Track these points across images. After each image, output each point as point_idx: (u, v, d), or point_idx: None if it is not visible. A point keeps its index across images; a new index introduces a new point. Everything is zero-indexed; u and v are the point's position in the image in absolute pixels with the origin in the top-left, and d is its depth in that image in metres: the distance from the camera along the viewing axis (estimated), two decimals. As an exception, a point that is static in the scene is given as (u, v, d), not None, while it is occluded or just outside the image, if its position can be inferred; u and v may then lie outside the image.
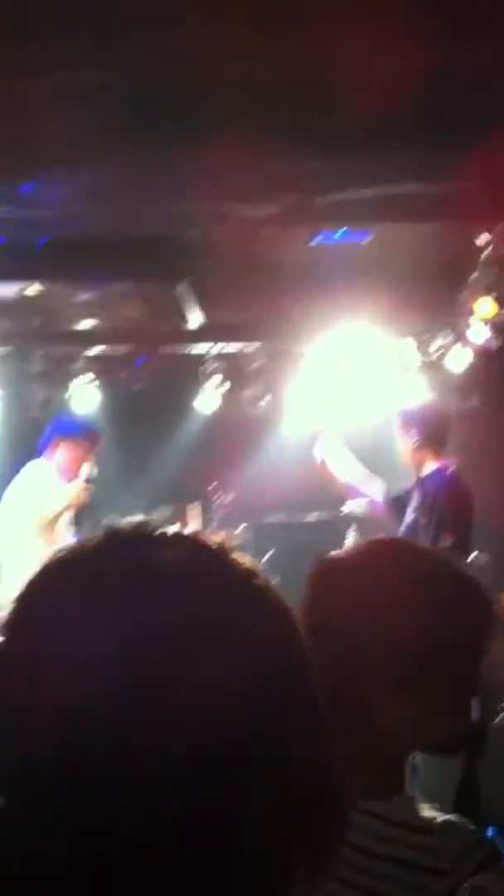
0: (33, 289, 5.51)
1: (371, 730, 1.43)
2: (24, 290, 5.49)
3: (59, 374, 6.88)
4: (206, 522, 6.96)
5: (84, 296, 5.68)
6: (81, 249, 5.07)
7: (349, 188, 3.98)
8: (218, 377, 6.95)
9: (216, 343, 6.80)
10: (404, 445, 5.41)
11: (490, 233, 5.22)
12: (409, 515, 5.32)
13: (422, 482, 5.37)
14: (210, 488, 7.09)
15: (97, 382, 6.86)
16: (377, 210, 4.18)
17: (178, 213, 4.32)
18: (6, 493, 5.52)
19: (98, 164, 3.74)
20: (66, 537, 5.40)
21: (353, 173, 3.89)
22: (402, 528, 5.39)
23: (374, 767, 1.42)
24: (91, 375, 6.82)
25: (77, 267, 5.24)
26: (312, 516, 7.20)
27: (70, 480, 5.48)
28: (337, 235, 4.87)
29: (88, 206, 4.07)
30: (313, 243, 4.99)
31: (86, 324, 6.31)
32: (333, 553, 1.63)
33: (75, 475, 5.49)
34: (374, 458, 6.19)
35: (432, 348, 6.79)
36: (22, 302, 5.69)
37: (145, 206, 4.21)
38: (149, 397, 7.07)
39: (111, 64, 3.39)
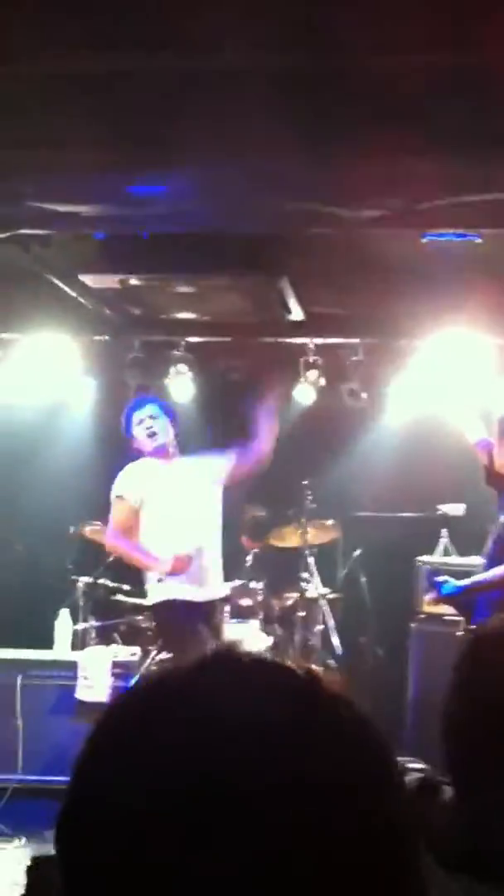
0: (134, 280, 5.51)
1: None
2: (125, 281, 5.50)
3: (155, 362, 6.91)
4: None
5: (184, 288, 5.67)
6: (182, 245, 5.06)
7: (458, 193, 3.87)
8: (316, 370, 6.88)
9: (316, 336, 6.74)
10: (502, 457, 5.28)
11: None
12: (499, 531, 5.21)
13: None
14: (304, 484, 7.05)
15: (193, 372, 6.87)
16: (485, 215, 4.06)
17: (281, 214, 4.26)
18: None
19: (201, 162, 3.70)
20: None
21: (463, 178, 3.79)
22: (490, 544, 5.31)
23: None
24: (187, 365, 6.83)
25: (176, 261, 5.23)
26: (405, 514, 7.10)
27: None
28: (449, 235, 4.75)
29: (190, 203, 4.05)
30: (425, 240, 4.88)
31: (184, 315, 6.31)
32: (492, 625, 1.65)
33: None
34: (472, 463, 6.08)
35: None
36: (122, 292, 5.71)
37: (248, 205, 4.16)
38: (246, 388, 7.05)
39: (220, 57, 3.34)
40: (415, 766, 1.67)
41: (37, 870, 3.64)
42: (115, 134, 3.39)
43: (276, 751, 0.74)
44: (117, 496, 5.71)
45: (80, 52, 3.13)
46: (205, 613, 5.66)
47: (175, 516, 5.69)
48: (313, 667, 0.84)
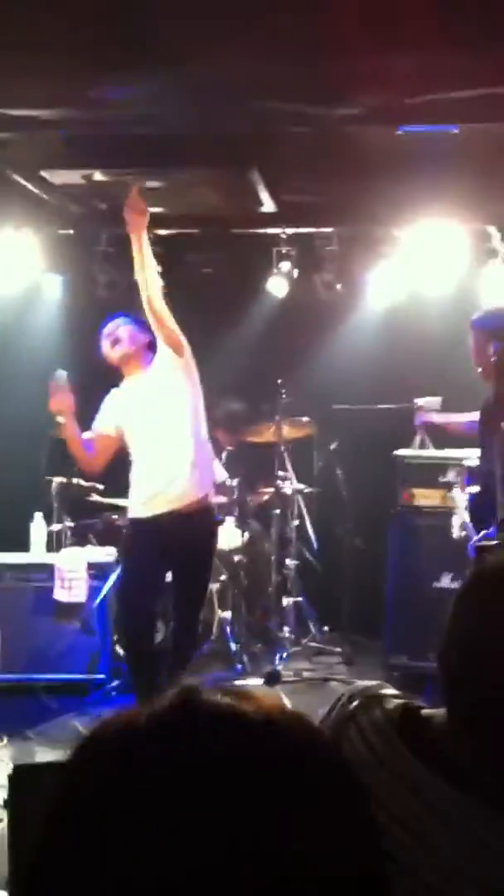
0: (99, 175, 5.27)
1: None
2: (88, 176, 5.25)
3: (125, 257, 6.67)
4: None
5: (152, 183, 5.42)
6: (148, 139, 4.82)
7: (436, 90, 3.66)
8: (289, 261, 6.68)
9: (289, 226, 6.52)
10: (481, 360, 5.11)
11: None
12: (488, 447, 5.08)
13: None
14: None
15: (164, 266, 6.64)
16: (463, 110, 3.86)
17: (255, 112, 4.03)
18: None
19: (173, 63, 3.46)
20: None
21: (441, 74, 3.57)
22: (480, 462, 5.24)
23: None
24: (158, 259, 6.59)
25: (142, 156, 4.99)
26: (381, 406, 7.01)
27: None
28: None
29: (162, 107, 3.82)
30: (400, 131, 4.65)
31: (154, 210, 6.05)
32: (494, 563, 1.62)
33: None
34: (448, 354, 5.98)
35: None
36: (87, 188, 5.47)
37: (220, 105, 3.93)
38: (218, 281, 6.85)
39: None
40: (390, 692, 1.66)
41: (18, 777, 3.68)
42: (82, 34, 3.14)
43: (242, 810, 0.73)
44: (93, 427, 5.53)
45: None
46: (157, 530, 5.26)
47: (135, 433, 5.43)
48: (270, 702, 0.80)
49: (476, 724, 1.44)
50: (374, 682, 1.67)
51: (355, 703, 1.57)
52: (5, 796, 3.64)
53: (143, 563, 5.32)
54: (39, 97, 3.69)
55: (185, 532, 5.27)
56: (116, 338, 5.38)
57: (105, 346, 5.42)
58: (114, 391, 5.57)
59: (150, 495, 5.32)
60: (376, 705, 1.56)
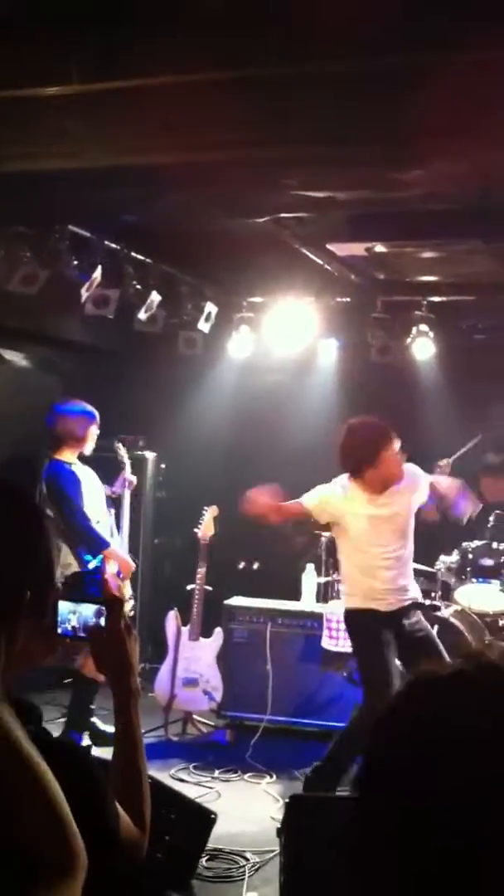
0: (380, 247, 5.59)
1: None
2: (371, 248, 5.58)
3: (397, 323, 6.97)
4: None
5: (430, 254, 5.69)
6: (429, 213, 5.08)
7: None
8: None
9: None
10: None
11: None
12: None
13: None
14: None
15: (435, 332, 6.89)
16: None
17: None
18: None
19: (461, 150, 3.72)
20: None
21: None
22: None
23: None
24: (429, 325, 6.86)
25: (424, 229, 5.26)
26: None
27: None
28: None
29: (446, 183, 4.08)
30: None
31: (429, 277, 6.32)
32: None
33: None
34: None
35: None
36: (368, 259, 5.79)
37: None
38: (488, 348, 7.03)
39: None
40: None
41: (294, 806, 3.94)
42: (381, 130, 3.43)
43: None
44: None
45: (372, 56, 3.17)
46: None
47: None
48: None
49: None
50: None
51: None
52: (279, 825, 3.90)
53: None
54: (341, 180, 4.03)
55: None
56: None
57: None
58: None
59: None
60: None
